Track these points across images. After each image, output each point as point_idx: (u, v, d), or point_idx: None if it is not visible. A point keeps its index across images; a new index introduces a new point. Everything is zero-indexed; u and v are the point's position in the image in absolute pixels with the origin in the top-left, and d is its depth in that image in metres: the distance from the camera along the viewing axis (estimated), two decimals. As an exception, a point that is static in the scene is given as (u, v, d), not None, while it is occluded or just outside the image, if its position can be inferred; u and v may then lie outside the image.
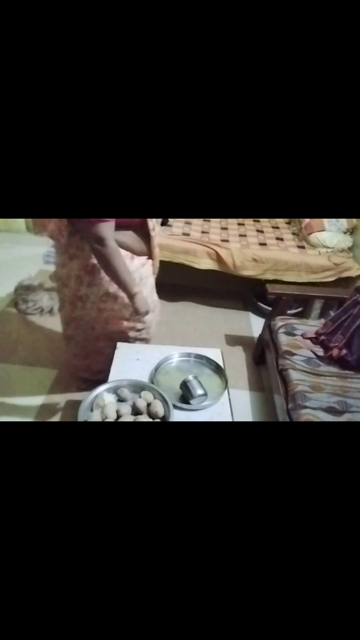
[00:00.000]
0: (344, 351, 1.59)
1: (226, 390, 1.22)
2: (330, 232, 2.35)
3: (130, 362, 1.33)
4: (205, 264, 2.28)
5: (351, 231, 2.37)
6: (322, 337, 1.70)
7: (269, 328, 1.90)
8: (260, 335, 2.07)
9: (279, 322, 1.85)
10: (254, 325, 2.40)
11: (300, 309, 2.40)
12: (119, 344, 1.40)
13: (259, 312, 2.47)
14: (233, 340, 2.29)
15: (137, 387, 1.17)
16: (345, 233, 2.37)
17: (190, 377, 1.18)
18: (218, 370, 1.31)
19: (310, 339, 1.74)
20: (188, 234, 2.38)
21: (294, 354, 1.64)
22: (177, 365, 1.32)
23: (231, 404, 1.21)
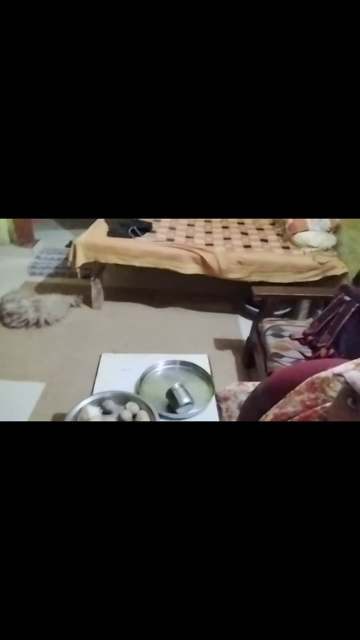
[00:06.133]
0: (332, 350, 1.58)
1: (213, 397, 1.20)
2: (314, 231, 2.36)
3: (115, 373, 1.30)
4: (191, 269, 2.27)
5: (334, 230, 2.38)
6: (310, 338, 1.69)
7: (256, 330, 1.89)
8: (248, 338, 2.06)
9: (266, 324, 1.84)
10: (243, 328, 2.39)
11: (288, 310, 2.40)
12: (104, 355, 1.38)
13: (248, 315, 2.46)
14: (222, 344, 2.28)
15: (122, 398, 1.14)
16: (328, 232, 2.38)
17: (176, 386, 1.16)
18: (205, 376, 1.29)
19: (298, 339, 1.73)
20: (172, 240, 2.37)
21: (282, 356, 1.63)
22: (163, 374, 1.30)
23: (221, 409, 1.19)
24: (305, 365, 0.85)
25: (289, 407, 0.79)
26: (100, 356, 1.38)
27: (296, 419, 0.76)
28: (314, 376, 0.78)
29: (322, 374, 0.77)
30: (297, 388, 0.79)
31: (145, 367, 1.30)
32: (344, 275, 2.20)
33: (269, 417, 0.83)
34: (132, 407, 1.10)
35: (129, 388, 1.23)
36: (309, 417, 0.74)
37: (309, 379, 0.78)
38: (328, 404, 0.71)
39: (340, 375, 0.65)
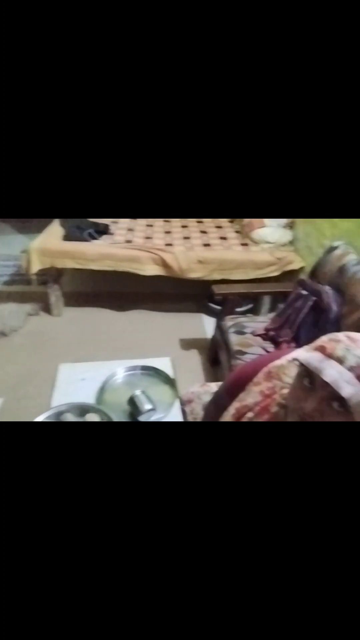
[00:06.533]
0: (293, 344, 1.61)
1: (177, 401, 1.18)
2: (271, 227, 2.40)
3: (74, 384, 1.25)
4: (151, 270, 2.23)
5: (290, 226, 2.43)
6: (272, 333, 1.72)
7: (219, 329, 1.90)
8: (213, 336, 2.06)
9: (228, 322, 1.85)
10: (208, 326, 2.39)
11: (250, 306, 2.43)
12: (62, 365, 1.32)
13: (211, 313, 2.46)
14: (188, 344, 2.26)
15: (81, 410, 1.09)
16: (285, 228, 2.43)
17: (138, 392, 1.13)
18: (168, 380, 1.27)
19: (260, 335, 1.75)
20: (131, 241, 2.33)
21: (245, 353, 1.64)
22: (124, 381, 1.26)
23: (185, 412, 1.17)
24: (261, 358, 0.86)
25: (249, 398, 0.80)
26: (58, 367, 1.31)
27: (257, 409, 0.77)
28: (270, 365, 0.80)
29: (277, 362, 0.79)
30: (254, 379, 0.80)
31: (106, 375, 1.25)
32: (302, 269, 2.25)
33: (230, 412, 0.84)
34: (92, 418, 1.06)
35: (90, 398, 1.18)
36: (269, 405, 0.76)
37: (265, 369, 0.80)
38: (285, 390, 0.73)
39: (295, 359, 0.66)
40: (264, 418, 0.75)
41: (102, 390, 1.19)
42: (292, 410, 0.63)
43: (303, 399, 0.59)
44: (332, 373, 0.54)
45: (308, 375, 0.59)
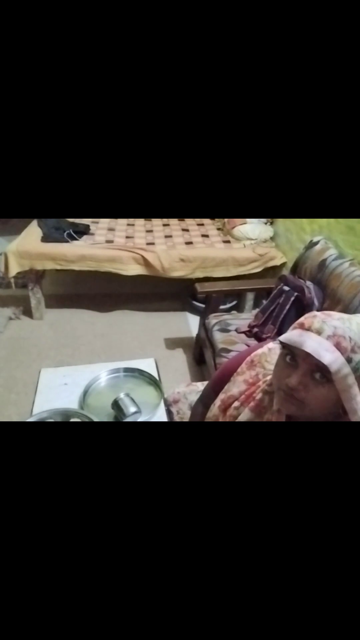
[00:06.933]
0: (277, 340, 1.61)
1: (162, 402, 1.17)
2: (252, 224, 2.40)
3: (57, 389, 1.22)
4: (133, 269, 2.21)
5: (271, 222, 2.45)
6: (255, 329, 1.72)
7: (204, 327, 1.89)
8: (197, 334, 2.05)
9: (212, 319, 1.84)
10: (192, 324, 2.38)
11: (234, 302, 2.43)
12: (43, 370, 1.29)
13: (196, 311, 2.46)
14: (173, 343, 2.25)
15: (64, 416, 1.07)
16: (266, 224, 2.44)
17: (122, 395, 1.11)
18: (152, 381, 1.25)
19: (244, 332, 1.75)
20: (112, 241, 2.29)
21: (229, 350, 1.63)
22: (107, 384, 1.24)
23: (171, 413, 1.16)
24: (243, 351, 0.88)
25: (234, 388, 0.82)
26: (40, 372, 1.28)
27: (242, 398, 0.80)
28: (252, 354, 0.84)
29: (259, 350, 0.84)
30: (238, 370, 0.84)
31: (89, 378, 1.23)
32: (284, 265, 2.27)
33: (216, 404, 0.86)
34: (76, 424, 1.03)
35: (73, 403, 1.16)
36: (253, 392, 0.79)
37: (247, 358, 0.83)
38: (269, 377, 0.76)
39: (277, 340, 0.70)
40: (251, 406, 0.77)
41: (85, 394, 1.17)
42: (278, 388, 0.65)
43: (287, 376, 0.62)
44: (311, 344, 0.58)
45: (290, 352, 0.62)
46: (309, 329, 0.60)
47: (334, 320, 0.60)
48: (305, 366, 0.60)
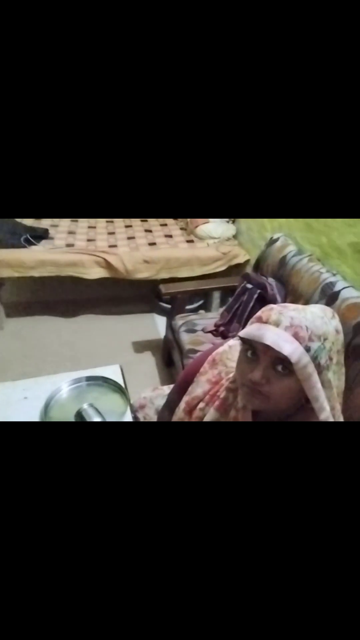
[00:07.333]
0: (243, 338, 1.62)
1: (128, 409, 1.14)
2: (214, 222, 2.41)
3: (16, 404, 1.15)
4: (96, 273, 2.15)
5: (233, 220, 2.46)
6: (221, 328, 1.72)
7: (170, 328, 1.87)
8: (164, 336, 2.03)
9: (179, 320, 1.83)
10: (160, 326, 2.36)
11: (201, 302, 2.43)
12: (0, 385, 1.22)
13: (163, 312, 2.43)
14: (141, 346, 2.22)
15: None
16: (228, 222, 2.45)
17: (85, 406, 1.06)
18: (118, 388, 1.21)
19: (211, 332, 1.75)
20: (72, 245, 2.22)
21: (197, 351, 1.62)
22: (70, 395, 1.19)
23: (138, 419, 1.13)
24: (204, 352, 0.89)
25: (198, 389, 0.82)
26: (-4, 387, 1.21)
27: (206, 398, 0.80)
28: (213, 353, 0.83)
29: (220, 349, 0.83)
30: (200, 370, 0.83)
31: (51, 390, 1.17)
32: (247, 262, 2.29)
33: (181, 407, 0.85)
34: (37, 440, 0.98)
35: (34, 418, 1.10)
36: (217, 391, 0.78)
37: (209, 358, 0.83)
38: (231, 375, 0.75)
39: (237, 337, 0.70)
40: (216, 405, 0.76)
41: (46, 407, 1.11)
42: (242, 384, 0.65)
43: (250, 371, 0.62)
44: (271, 336, 0.58)
45: (251, 347, 0.62)
46: (267, 322, 0.60)
47: (290, 311, 0.61)
48: (266, 359, 0.60)
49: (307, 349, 0.59)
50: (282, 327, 0.59)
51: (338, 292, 1.29)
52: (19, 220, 2.32)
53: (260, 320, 0.62)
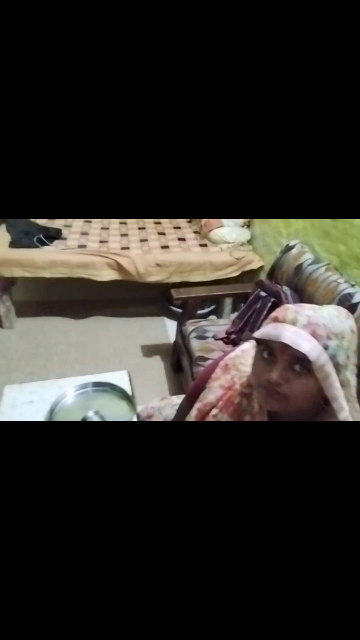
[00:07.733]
0: (254, 347, 1.58)
1: (135, 418, 1.11)
2: (229, 227, 2.37)
3: (21, 408, 1.14)
4: (107, 275, 2.13)
5: (247, 224, 2.42)
6: (233, 336, 1.68)
7: (181, 334, 1.84)
8: (174, 341, 2.00)
9: (189, 326, 1.79)
10: (170, 330, 2.33)
11: (213, 307, 2.39)
12: (7, 387, 1.20)
13: (173, 316, 2.40)
14: (150, 350, 2.19)
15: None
16: (242, 227, 2.41)
17: (90, 414, 1.04)
18: (124, 396, 1.18)
19: (221, 339, 1.71)
20: (85, 246, 2.21)
21: (207, 359, 1.59)
22: (76, 401, 1.16)
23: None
24: (216, 358, 0.86)
25: (210, 395, 0.80)
26: (3, 389, 1.20)
27: (220, 404, 0.78)
28: (225, 358, 0.82)
29: (232, 354, 0.82)
30: (213, 376, 0.81)
31: (57, 394, 1.15)
32: (261, 268, 2.24)
33: (192, 414, 0.83)
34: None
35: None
36: (231, 397, 0.76)
37: (221, 363, 0.81)
38: (244, 379, 0.74)
39: (252, 338, 0.68)
40: (229, 410, 0.75)
41: (51, 413, 1.09)
42: (259, 386, 0.64)
43: (266, 371, 0.61)
44: (288, 334, 0.57)
45: (267, 348, 0.61)
46: (283, 321, 0.59)
47: (306, 310, 0.60)
48: (284, 359, 0.59)
49: (325, 347, 0.57)
50: (299, 326, 0.58)
51: (357, 304, 1.24)
52: (33, 220, 2.32)
53: (276, 320, 0.60)
